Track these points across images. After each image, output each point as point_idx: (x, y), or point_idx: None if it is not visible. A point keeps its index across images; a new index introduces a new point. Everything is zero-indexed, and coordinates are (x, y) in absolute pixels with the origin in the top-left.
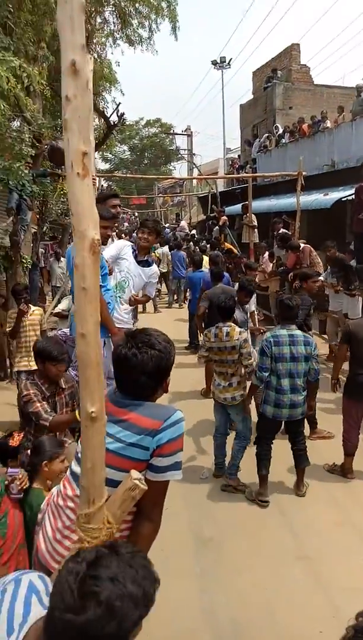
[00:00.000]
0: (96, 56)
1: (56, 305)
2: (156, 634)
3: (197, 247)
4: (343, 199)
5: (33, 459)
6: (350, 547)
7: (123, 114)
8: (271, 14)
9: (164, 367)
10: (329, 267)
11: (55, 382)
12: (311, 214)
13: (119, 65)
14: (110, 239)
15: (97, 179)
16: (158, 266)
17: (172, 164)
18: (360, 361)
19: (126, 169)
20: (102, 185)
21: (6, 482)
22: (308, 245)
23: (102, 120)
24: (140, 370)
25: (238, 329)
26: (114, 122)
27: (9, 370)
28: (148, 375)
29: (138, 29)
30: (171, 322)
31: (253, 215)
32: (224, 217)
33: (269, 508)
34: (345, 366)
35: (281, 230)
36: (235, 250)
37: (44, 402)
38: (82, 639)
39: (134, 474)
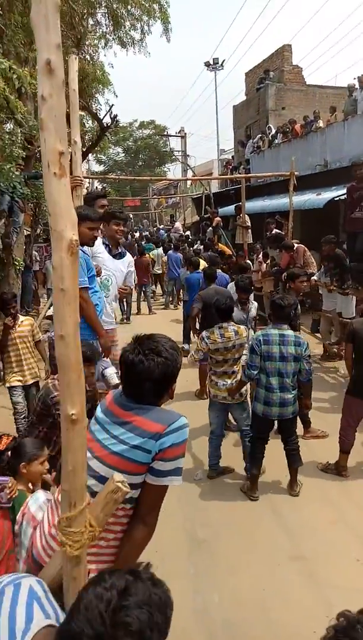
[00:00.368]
0: (88, 58)
1: (49, 307)
2: None
3: (191, 249)
4: (335, 199)
5: (12, 460)
6: (345, 546)
7: (116, 115)
8: (263, 15)
9: (171, 374)
10: (322, 267)
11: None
12: (305, 214)
13: (112, 67)
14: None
15: (85, 180)
16: (153, 268)
17: (166, 165)
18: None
19: (121, 170)
20: (96, 187)
21: None
22: (302, 245)
23: (96, 122)
24: (146, 376)
25: (243, 327)
26: (107, 124)
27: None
28: (154, 381)
29: (130, 30)
30: (166, 323)
31: (246, 215)
32: (218, 218)
33: (263, 508)
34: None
35: (274, 230)
36: (229, 251)
37: None
38: None
39: (117, 476)
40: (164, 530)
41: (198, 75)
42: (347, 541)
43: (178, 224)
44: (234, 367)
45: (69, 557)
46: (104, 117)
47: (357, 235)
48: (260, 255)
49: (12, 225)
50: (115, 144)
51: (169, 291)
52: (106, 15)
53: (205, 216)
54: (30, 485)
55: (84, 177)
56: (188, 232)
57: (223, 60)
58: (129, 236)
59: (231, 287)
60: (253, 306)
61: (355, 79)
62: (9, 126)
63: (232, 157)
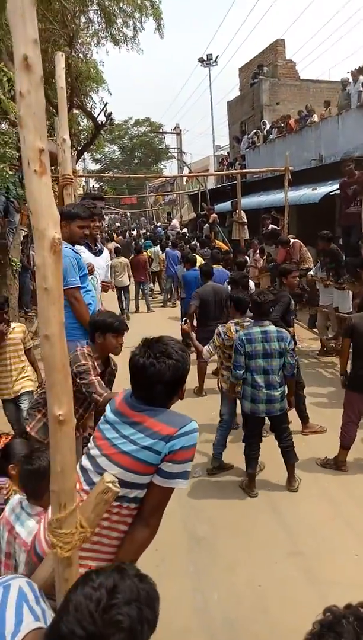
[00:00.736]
0: (81, 56)
1: None
2: None
3: (188, 246)
4: (331, 193)
5: (1, 461)
6: (343, 542)
7: (111, 113)
8: (255, 9)
9: (181, 376)
10: (319, 262)
11: (106, 360)
12: (301, 209)
13: (103, 65)
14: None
15: (81, 179)
16: (150, 266)
17: (162, 162)
18: (362, 355)
19: (117, 169)
20: (93, 186)
21: None
22: (298, 240)
23: (90, 120)
24: (157, 379)
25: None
26: (102, 122)
27: None
28: (165, 384)
29: (122, 28)
30: (165, 321)
31: (242, 212)
32: (214, 215)
33: (262, 505)
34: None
35: (270, 226)
36: (226, 248)
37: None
38: None
39: (107, 477)
40: (163, 528)
41: (192, 72)
42: (345, 537)
43: (175, 222)
44: None
45: (60, 558)
46: (98, 115)
47: (351, 230)
48: (257, 252)
49: (8, 225)
50: (110, 142)
51: (168, 289)
52: (98, 12)
53: (202, 213)
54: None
55: (80, 176)
56: (185, 230)
57: (217, 56)
58: (127, 234)
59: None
60: None
61: (348, 72)
62: (3, 127)
63: (227, 153)
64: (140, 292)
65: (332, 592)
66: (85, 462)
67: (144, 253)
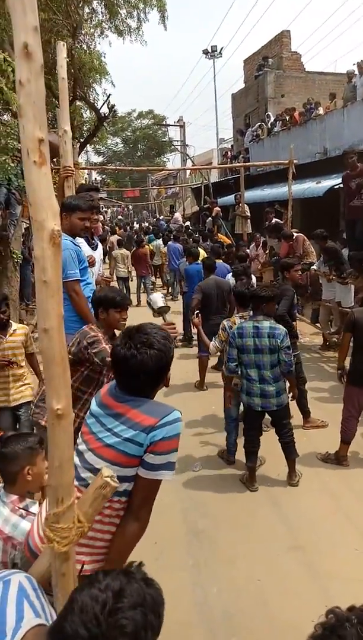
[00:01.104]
0: (85, 47)
1: None
2: None
3: (191, 239)
4: (335, 187)
5: None
6: (343, 537)
7: (114, 105)
8: (260, 0)
9: (165, 365)
10: (322, 256)
11: (113, 337)
12: (305, 203)
13: (106, 56)
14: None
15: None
16: (152, 260)
17: (165, 155)
18: None
19: (119, 161)
20: (95, 179)
21: None
22: (302, 234)
23: (93, 112)
24: (140, 370)
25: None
26: (104, 114)
27: None
28: (148, 374)
29: (126, 19)
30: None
31: (246, 205)
32: (217, 208)
33: (262, 499)
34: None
35: (274, 220)
36: (229, 241)
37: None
38: None
39: (106, 471)
40: (163, 521)
41: (196, 64)
42: (345, 531)
43: (177, 215)
44: None
45: (57, 553)
46: (101, 107)
47: (355, 223)
48: (260, 246)
49: (9, 217)
50: (113, 135)
51: (171, 282)
52: (102, 3)
53: (205, 206)
54: None
55: (82, 169)
56: (187, 223)
57: (221, 48)
58: (128, 228)
59: (231, 277)
60: None
61: (354, 64)
62: (5, 118)
63: (231, 146)
64: (142, 286)
65: (332, 587)
66: (74, 458)
67: (146, 246)
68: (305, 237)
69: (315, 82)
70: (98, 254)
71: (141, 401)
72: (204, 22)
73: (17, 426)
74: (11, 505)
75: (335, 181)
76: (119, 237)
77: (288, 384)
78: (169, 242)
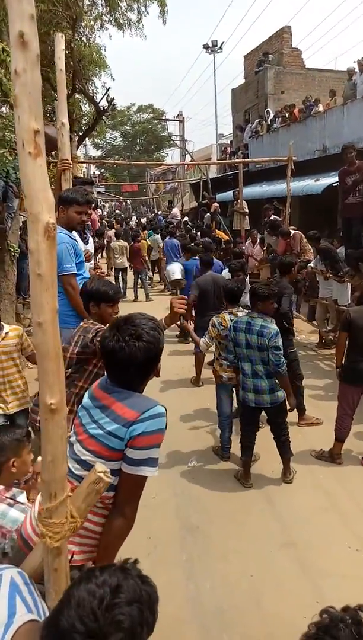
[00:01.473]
0: (84, 40)
1: None
2: None
3: (188, 235)
4: (334, 185)
5: None
6: (336, 534)
7: (113, 99)
8: None
9: (154, 356)
10: (318, 255)
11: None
12: (303, 200)
13: (106, 49)
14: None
15: (82, 165)
16: (150, 255)
17: (164, 150)
18: (358, 348)
19: (118, 155)
20: (93, 173)
21: None
22: (299, 232)
23: (92, 105)
24: (129, 362)
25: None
26: (104, 108)
27: None
28: (138, 366)
29: (126, 11)
30: (163, 310)
31: (244, 201)
32: (216, 204)
33: (256, 495)
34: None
35: (272, 216)
36: (226, 238)
37: None
38: None
39: (99, 466)
40: (156, 516)
41: (196, 58)
42: (338, 528)
43: (175, 210)
44: None
45: (49, 548)
46: (100, 100)
47: (352, 221)
48: (258, 243)
49: (7, 210)
50: (112, 129)
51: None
52: None
53: (203, 202)
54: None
55: (81, 162)
56: (185, 218)
57: (222, 43)
58: (124, 223)
59: (226, 273)
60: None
61: (354, 62)
62: (4, 110)
63: (230, 142)
64: (139, 281)
65: (324, 583)
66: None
67: (143, 241)
68: (302, 235)
69: (315, 79)
70: (89, 247)
71: (126, 394)
72: (204, 17)
73: None
74: None
75: (333, 179)
76: (116, 230)
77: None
78: (166, 238)
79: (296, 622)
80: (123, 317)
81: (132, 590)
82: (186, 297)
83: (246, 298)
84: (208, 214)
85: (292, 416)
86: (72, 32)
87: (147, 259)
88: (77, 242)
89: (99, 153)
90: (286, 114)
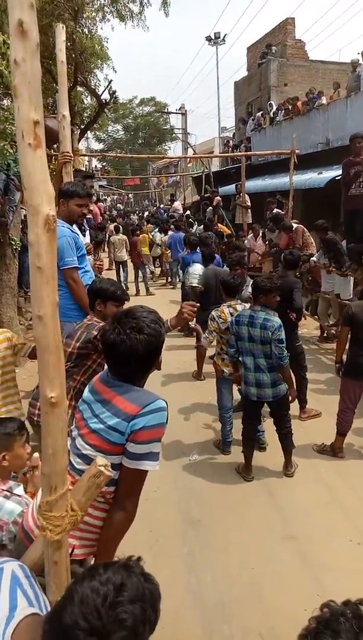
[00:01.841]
0: (86, 32)
1: None
2: None
3: (191, 229)
4: (337, 178)
5: None
6: (337, 527)
7: (115, 91)
8: None
9: (155, 349)
10: (322, 248)
11: None
12: (306, 194)
13: (108, 41)
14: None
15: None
16: (151, 250)
17: (166, 144)
18: (360, 343)
19: (120, 149)
20: (95, 166)
21: None
22: (301, 226)
23: (94, 98)
24: (130, 355)
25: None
26: (106, 100)
27: None
28: (139, 359)
29: (128, 3)
30: (165, 304)
31: (246, 195)
32: (218, 198)
33: (258, 489)
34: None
35: (275, 210)
36: (229, 232)
37: None
38: None
39: (100, 460)
40: (158, 509)
41: (199, 50)
42: (339, 522)
43: (176, 204)
44: None
45: (49, 541)
46: (102, 93)
47: (355, 214)
48: (260, 237)
49: (8, 203)
50: (114, 122)
51: (175, 272)
52: None
53: (205, 195)
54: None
55: (82, 155)
56: (187, 212)
57: (225, 35)
58: (126, 217)
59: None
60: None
61: (359, 54)
62: (5, 102)
63: (233, 135)
64: (140, 275)
65: (325, 577)
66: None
67: (144, 235)
68: (305, 229)
69: (319, 71)
70: (86, 240)
71: (127, 388)
72: (207, 8)
73: None
74: None
75: (336, 172)
76: (117, 224)
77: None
78: (171, 232)
79: (297, 615)
80: (124, 310)
81: (136, 589)
82: (198, 304)
83: (246, 292)
84: (210, 207)
85: (293, 410)
86: (74, 24)
87: (144, 252)
88: (78, 235)
89: (101, 146)
90: (290, 107)
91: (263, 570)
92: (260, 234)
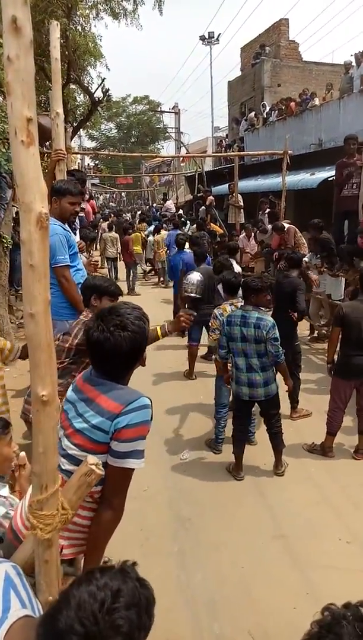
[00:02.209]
0: (79, 29)
1: None
2: None
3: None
4: (329, 179)
5: None
6: (327, 526)
7: (108, 89)
8: None
9: (139, 346)
10: (314, 249)
11: None
12: (299, 194)
13: (101, 39)
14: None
15: (76, 156)
16: (144, 250)
17: (160, 142)
18: (351, 343)
19: (113, 147)
20: (88, 164)
21: None
22: (293, 226)
23: (87, 96)
24: (114, 353)
25: None
26: (99, 98)
27: None
28: (123, 356)
29: (122, 1)
30: (156, 304)
31: (239, 195)
32: (211, 197)
33: (248, 488)
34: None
35: (267, 210)
36: (221, 231)
37: None
38: None
39: (91, 459)
40: (149, 508)
41: (193, 50)
42: (329, 521)
43: (169, 203)
44: None
45: (40, 540)
46: (95, 91)
47: (346, 215)
48: (252, 238)
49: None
50: (107, 120)
51: (168, 271)
52: None
53: (198, 195)
54: None
55: (75, 153)
56: (180, 211)
57: (219, 34)
58: (118, 216)
59: None
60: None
61: (351, 55)
62: None
63: (226, 135)
64: (131, 274)
65: (315, 575)
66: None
67: (137, 234)
68: (297, 229)
69: (312, 72)
70: (76, 238)
71: (110, 386)
72: (201, 8)
73: None
74: None
75: (329, 173)
76: (110, 222)
77: (280, 375)
78: (169, 231)
79: (287, 613)
80: (108, 308)
81: (132, 594)
82: (195, 313)
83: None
84: (203, 207)
85: (284, 409)
86: (67, 21)
87: (136, 251)
88: (70, 233)
89: (93, 144)
90: (283, 107)
91: (253, 569)
92: (253, 234)
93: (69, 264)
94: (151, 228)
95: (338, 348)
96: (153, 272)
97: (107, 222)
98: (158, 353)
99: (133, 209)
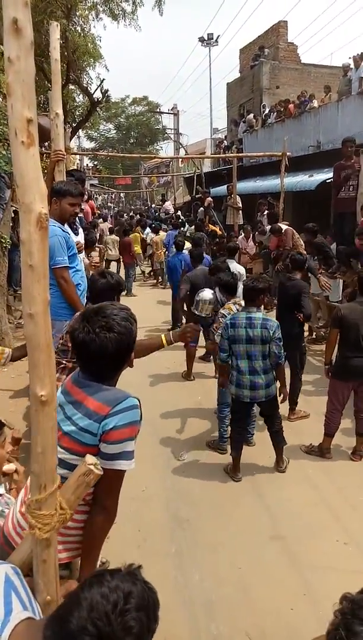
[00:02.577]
0: (79, 30)
1: None
2: None
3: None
4: (327, 181)
5: None
6: (324, 527)
7: (107, 90)
8: None
9: (126, 347)
10: (311, 251)
11: None
12: (297, 196)
13: (101, 40)
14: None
15: (75, 157)
16: (145, 251)
17: (158, 143)
18: (349, 345)
19: (112, 148)
20: (87, 165)
21: None
22: (291, 228)
23: (86, 97)
24: (100, 354)
25: None
26: (98, 99)
27: None
28: (109, 358)
29: (121, 2)
30: (154, 305)
31: (238, 196)
32: (210, 199)
33: (246, 489)
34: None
35: (266, 212)
36: (220, 232)
37: None
38: None
39: (89, 459)
40: (146, 509)
41: (192, 51)
42: (327, 522)
43: (167, 204)
44: None
45: (38, 539)
46: (95, 91)
47: (344, 217)
48: (249, 238)
49: None
50: (106, 120)
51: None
52: None
53: (196, 196)
54: None
55: (74, 154)
56: (178, 212)
57: (218, 36)
58: (118, 217)
59: None
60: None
61: (350, 58)
62: None
63: (225, 136)
64: (128, 275)
65: (313, 576)
66: None
67: (136, 234)
68: (295, 231)
69: (311, 75)
70: (80, 239)
71: (97, 387)
72: (201, 9)
73: None
74: None
75: (327, 175)
76: (110, 225)
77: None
78: (169, 231)
79: (284, 613)
80: (94, 308)
81: (141, 597)
82: (201, 328)
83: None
84: (202, 208)
85: (282, 411)
86: (66, 22)
87: (136, 252)
88: (69, 234)
89: (92, 145)
90: (281, 109)
91: (250, 570)
92: (251, 236)
93: (68, 265)
94: (148, 231)
95: (336, 350)
96: (152, 272)
97: (109, 225)
98: (156, 354)
99: (130, 210)
